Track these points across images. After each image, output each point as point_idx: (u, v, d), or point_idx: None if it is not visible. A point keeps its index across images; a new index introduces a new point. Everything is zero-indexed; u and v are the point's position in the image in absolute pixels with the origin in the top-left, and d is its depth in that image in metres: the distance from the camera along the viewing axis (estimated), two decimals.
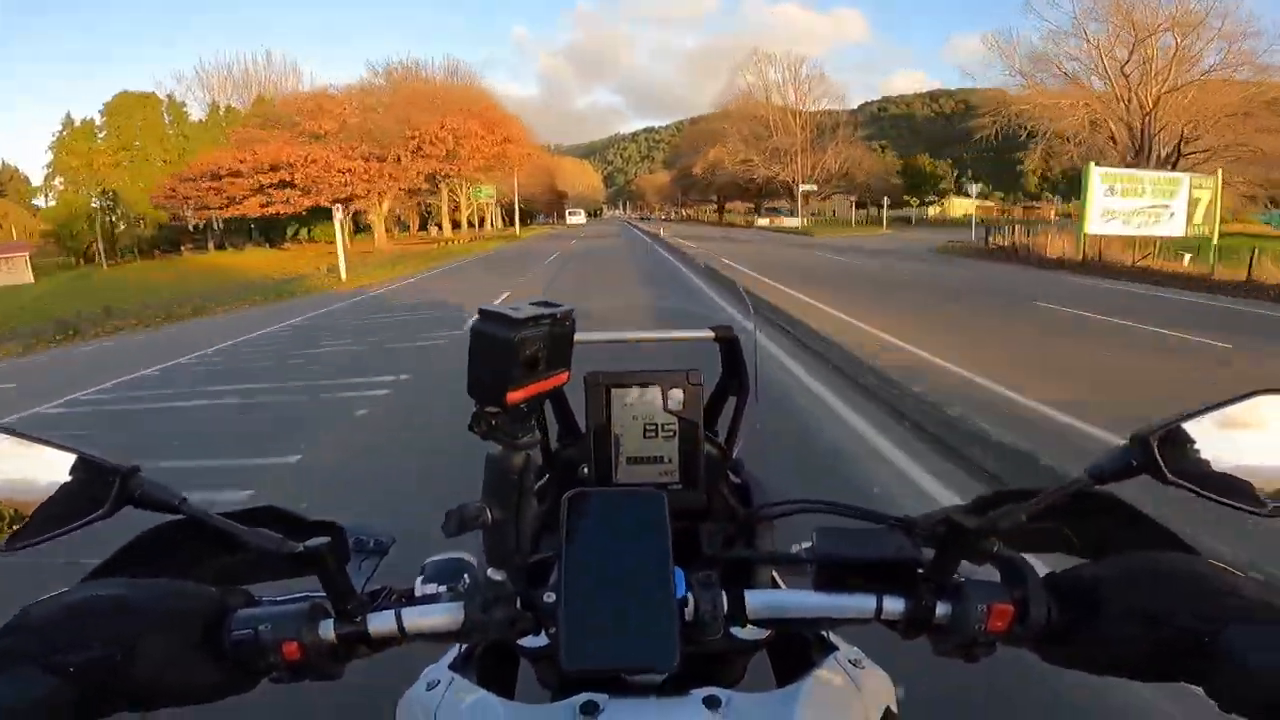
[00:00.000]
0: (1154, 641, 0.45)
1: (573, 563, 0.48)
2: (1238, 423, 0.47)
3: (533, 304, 0.48)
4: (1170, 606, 0.45)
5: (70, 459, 0.47)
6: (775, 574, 0.67)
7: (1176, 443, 0.46)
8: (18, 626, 0.43)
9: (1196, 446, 0.46)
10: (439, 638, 0.51)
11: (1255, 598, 0.44)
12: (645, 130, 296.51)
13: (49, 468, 0.47)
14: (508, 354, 0.44)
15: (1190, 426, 0.46)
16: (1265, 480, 0.46)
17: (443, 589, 0.53)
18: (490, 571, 0.51)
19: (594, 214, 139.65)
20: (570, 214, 71.85)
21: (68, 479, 0.47)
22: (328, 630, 0.49)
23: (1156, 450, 0.45)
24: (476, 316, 0.46)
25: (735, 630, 0.53)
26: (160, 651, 0.44)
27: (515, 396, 0.46)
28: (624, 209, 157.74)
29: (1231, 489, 0.46)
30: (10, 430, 0.47)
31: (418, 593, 0.54)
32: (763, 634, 0.58)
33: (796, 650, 0.62)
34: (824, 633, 0.62)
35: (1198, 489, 0.45)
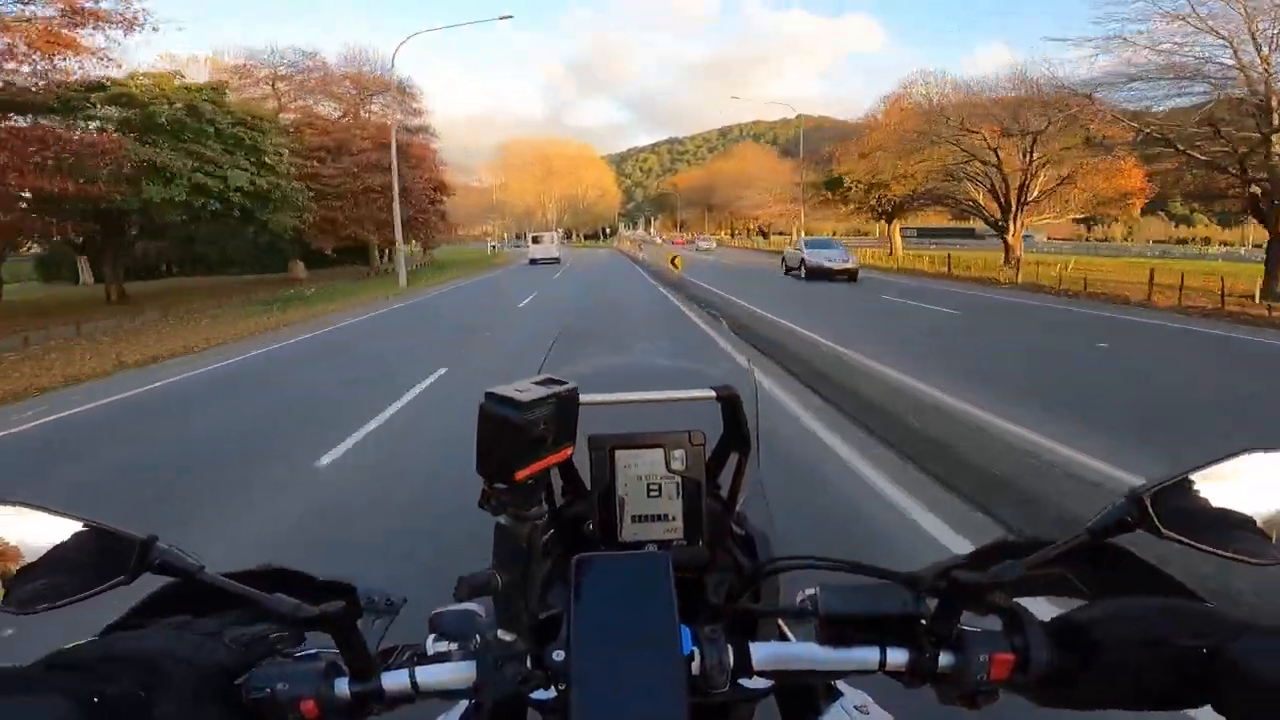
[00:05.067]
0: (1158, 667, 0.47)
1: (581, 623, 0.50)
2: (1227, 478, 0.49)
3: (537, 382, 0.51)
4: (1168, 633, 0.47)
5: (86, 529, 0.48)
6: (781, 622, 0.68)
7: (1170, 499, 0.48)
8: (51, 664, 0.46)
9: (1189, 502, 0.49)
10: (452, 694, 0.53)
11: (1249, 623, 0.47)
12: (668, 141, 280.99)
13: (66, 537, 0.48)
14: (516, 436, 0.47)
15: (1182, 483, 0.49)
16: (1255, 532, 0.49)
17: (454, 647, 0.54)
18: (500, 632, 0.52)
19: (601, 235, 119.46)
20: (533, 240, 42.67)
21: (84, 547, 0.48)
22: (343, 688, 0.51)
23: (1150, 507, 0.48)
24: (484, 399, 0.48)
25: (742, 681, 0.54)
26: (180, 703, 0.46)
27: (523, 474, 0.48)
28: (647, 228, 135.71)
29: (1224, 541, 0.48)
30: (28, 503, 0.49)
31: (429, 650, 0.55)
32: (768, 683, 0.58)
33: (803, 697, 0.65)
34: (830, 681, 0.64)
35: (1192, 543, 0.48)
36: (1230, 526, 0.48)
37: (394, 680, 0.51)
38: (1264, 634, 0.45)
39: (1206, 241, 53.15)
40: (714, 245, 53.14)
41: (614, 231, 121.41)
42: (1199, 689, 0.46)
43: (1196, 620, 0.48)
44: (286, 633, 0.54)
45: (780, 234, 60.20)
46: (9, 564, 0.47)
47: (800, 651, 0.55)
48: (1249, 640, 0.45)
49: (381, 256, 40.32)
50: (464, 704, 0.63)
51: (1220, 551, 0.48)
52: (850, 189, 33.67)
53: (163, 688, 0.46)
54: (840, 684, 0.65)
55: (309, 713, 0.49)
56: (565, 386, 0.52)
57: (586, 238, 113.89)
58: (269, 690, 0.49)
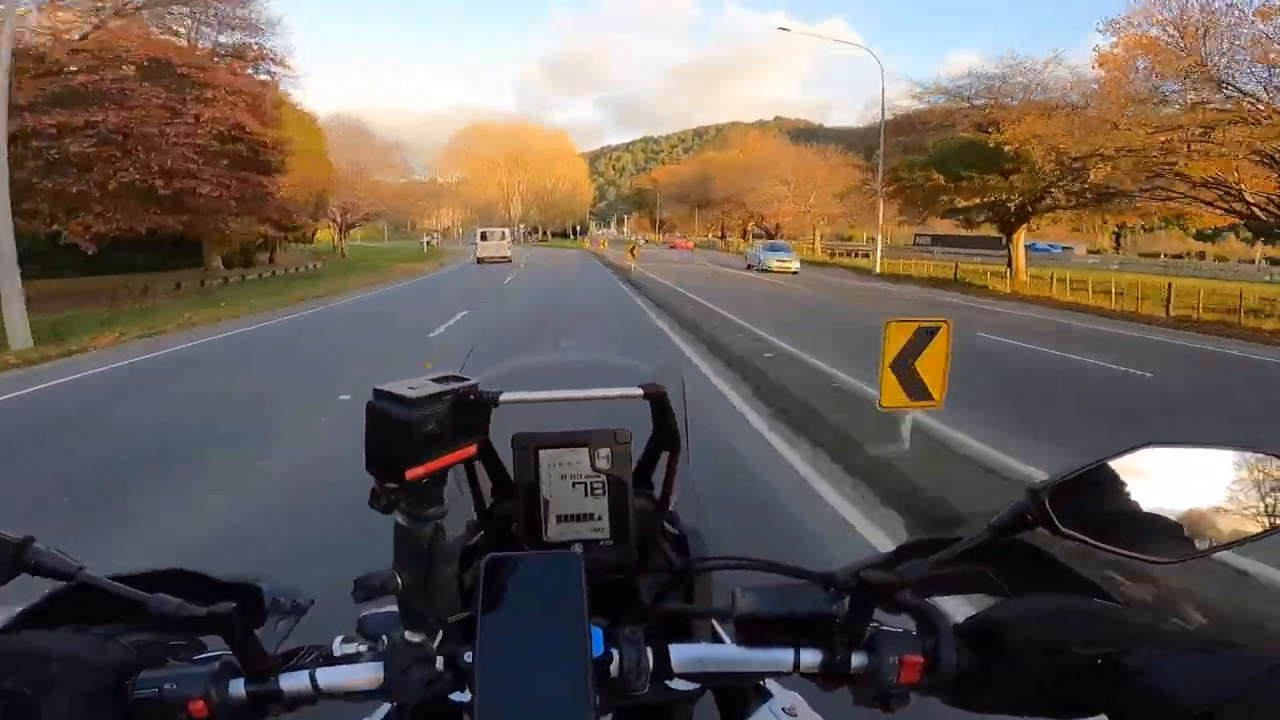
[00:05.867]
0: (1058, 674, 0.46)
1: (488, 624, 0.50)
2: (1126, 473, 0.48)
3: (435, 379, 0.50)
4: (1068, 637, 0.46)
5: None
6: (715, 623, 0.67)
7: (1068, 495, 0.48)
8: None
9: (1088, 498, 0.48)
10: (360, 696, 0.52)
11: (1147, 629, 0.46)
12: (643, 140, 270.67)
13: None
14: (404, 434, 0.46)
15: (1082, 479, 0.48)
16: (1155, 528, 0.48)
17: (364, 648, 0.54)
18: (407, 634, 0.52)
19: (571, 233, 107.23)
20: (480, 237, 35.67)
21: None
22: (238, 689, 0.50)
23: (1048, 504, 0.47)
24: (372, 395, 0.47)
25: (671, 683, 0.55)
26: (70, 703, 0.46)
27: (415, 473, 0.47)
28: (619, 227, 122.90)
29: (1123, 539, 0.48)
30: None
31: (336, 652, 0.55)
32: (698, 685, 0.59)
33: (736, 699, 0.66)
34: (761, 682, 0.65)
35: (1091, 540, 0.47)
36: (1129, 524, 0.48)
37: (293, 681, 0.51)
38: (1163, 643, 0.44)
39: None
40: (796, 263, 29.51)
41: (585, 230, 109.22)
42: (1097, 698, 0.45)
43: (1098, 624, 0.47)
44: (184, 636, 0.53)
45: (791, 238, 47.91)
46: None
47: (719, 653, 0.55)
48: (1146, 650, 0.44)
49: (248, 258, 26.85)
50: (386, 707, 0.61)
51: (1118, 550, 0.47)
52: (972, 178, 21.13)
53: (51, 688, 0.45)
54: (772, 685, 0.65)
55: (198, 713, 0.48)
56: (466, 383, 0.51)
57: (555, 235, 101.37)
58: (157, 690, 0.48)
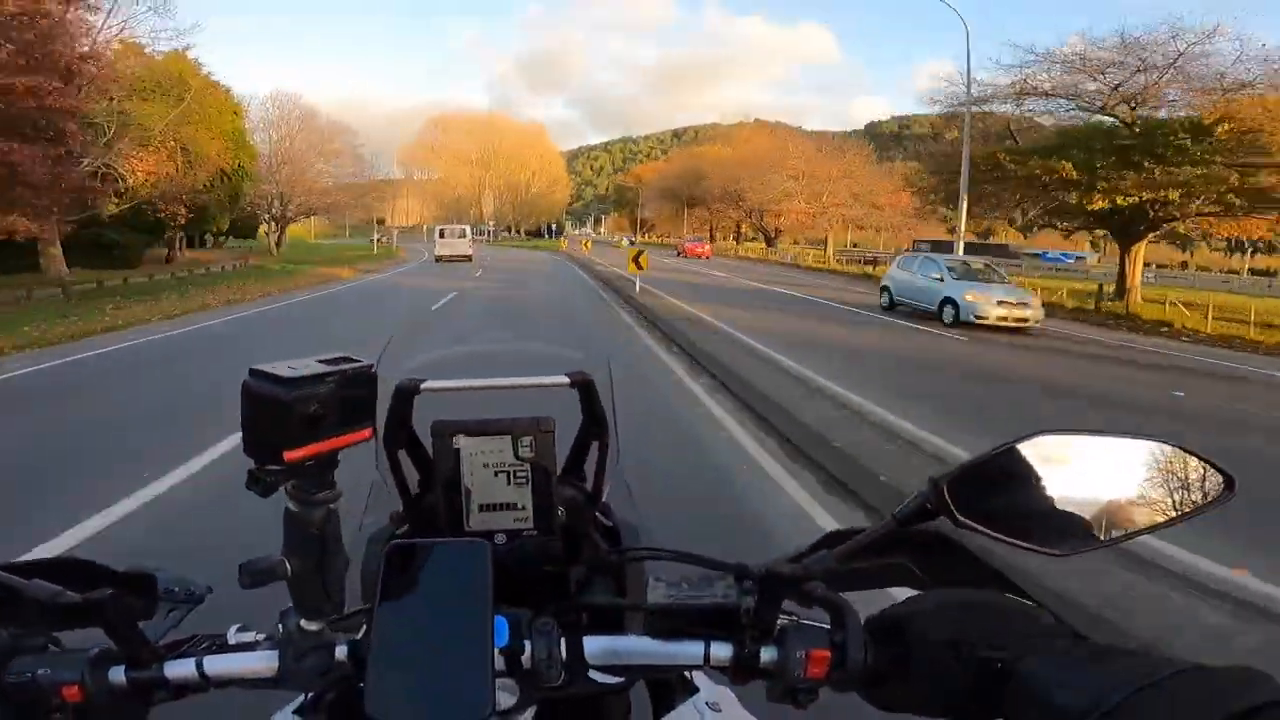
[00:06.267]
0: (959, 675, 0.45)
1: (387, 612, 0.48)
2: (1023, 462, 0.48)
3: (322, 360, 0.49)
4: (970, 638, 0.46)
5: None
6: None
7: (968, 485, 0.47)
8: None
9: (985, 488, 0.48)
10: (254, 684, 0.52)
11: (1045, 631, 0.46)
12: (621, 140, 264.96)
13: None
14: (280, 414, 0.45)
15: (979, 469, 0.48)
16: (1056, 519, 0.48)
17: (261, 636, 0.54)
18: (303, 622, 0.51)
19: (547, 233, 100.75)
20: (439, 234, 33.43)
21: None
22: (118, 675, 0.50)
23: (947, 494, 0.47)
24: (248, 375, 0.47)
25: (595, 675, 0.54)
26: None
27: (294, 455, 0.47)
28: (596, 227, 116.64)
29: (1021, 530, 0.47)
30: None
31: (231, 639, 0.54)
32: (623, 678, 0.58)
33: (663, 691, 0.66)
34: (687, 674, 0.64)
35: (989, 531, 0.47)
36: (1025, 514, 0.48)
37: (179, 669, 0.50)
38: (1060, 648, 0.44)
39: None
40: (1034, 307, 13.03)
41: (560, 229, 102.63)
42: (995, 703, 0.44)
43: (1001, 622, 0.47)
44: (65, 626, 0.53)
45: (816, 244, 41.92)
46: None
47: (631, 645, 0.54)
48: (1044, 657, 0.43)
49: (128, 260, 19.86)
50: (301, 698, 0.61)
51: (1015, 541, 0.47)
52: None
53: None
54: (700, 679, 0.64)
55: (73, 698, 0.48)
56: (354, 365, 0.50)
57: (529, 234, 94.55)
58: (30, 675, 0.48)
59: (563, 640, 0.52)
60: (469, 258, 30.99)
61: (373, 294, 17.79)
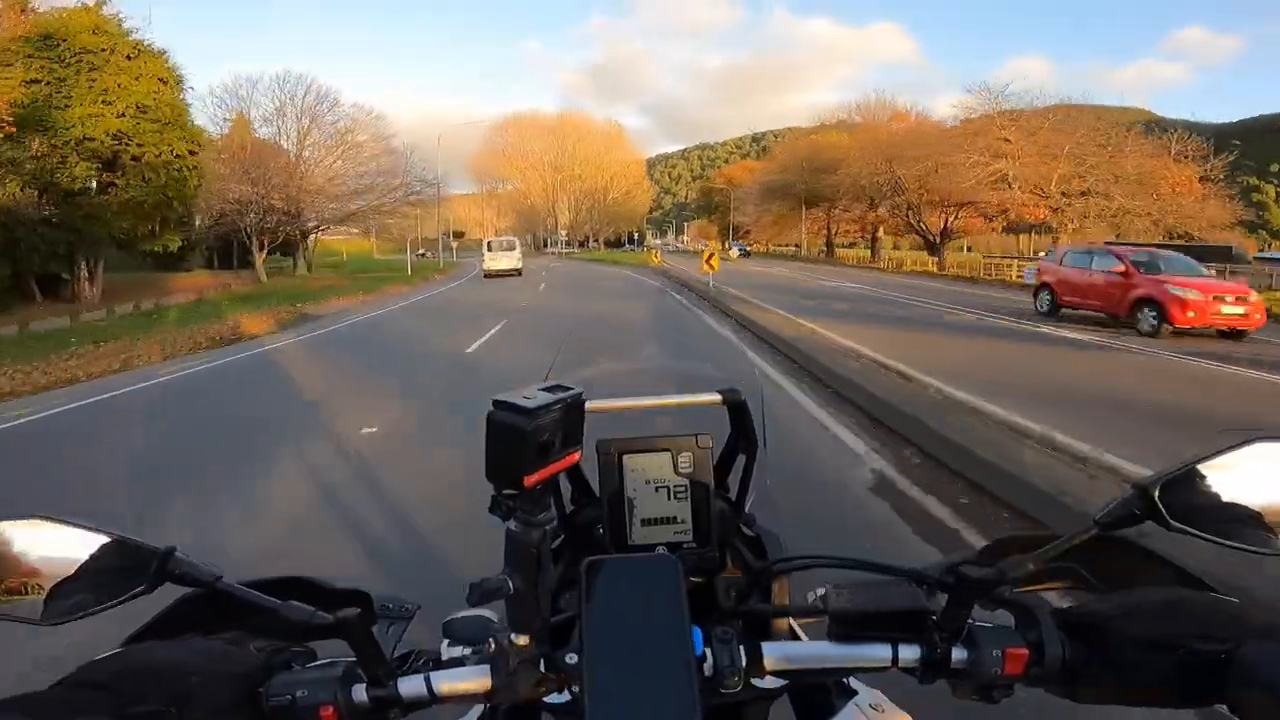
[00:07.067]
0: (1172, 667, 0.46)
1: (593, 627, 0.50)
2: (1234, 468, 0.48)
3: (543, 389, 0.51)
4: (1181, 632, 0.47)
5: (106, 540, 0.49)
6: (792, 622, 0.69)
7: (1177, 490, 0.48)
8: (82, 681, 0.47)
9: (1196, 493, 0.48)
10: (467, 699, 0.54)
11: (1263, 621, 0.46)
12: (698, 146, 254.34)
13: (87, 549, 0.49)
14: (523, 442, 0.47)
15: (1189, 474, 0.49)
16: (1264, 523, 0.48)
17: (469, 652, 0.55)
18: (514, 636, 0.53)
19: (627, 242, 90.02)
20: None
21: (107, 559, 0.49)
22: (360, 694, 0.51)
23: (1158, 498, 0.47)
24: (492, 406, 0.49)
25: (756, 681, 0.55)
26: (208, 711, 0.47)
27: (532, 480, 0.48)
28: (680, 237, 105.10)
29: (1232, 532, 0.48)
30: (48, 516, 0.50)
31: (444, 656, 0.56)
32: (782, 683, 0.59)
33: (817, 697, 0.65)
34: (844, 679, 0.65)
35: (1201, 534, 0.47)
36: (1238, 518, 0.48)
37: (410, 686, 0.52)
38: (1274, 638, 0.44)
39: None
40: None
41: (642, 238, 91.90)
42: (1213, 688, 0.45)
43: (1210, 616, 0.48)
44: (305, 641, 0.55)
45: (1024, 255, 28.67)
46: (38, 579, 0.48)
47: (812, 650, 0.55)
48: (1264, 643, 0.44)
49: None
50: (478, 709, 0.62)
51: (1229, 543, 0.47)
52: None
53: (190, 701, 0.46)
54: (854, 682, 0.66)
55: (328, 718, 0.49)
56: (571, 392, 0.52)
57: (608, 244, 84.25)
58: (290, 698, 0.49)
59: (741, 647, 0.53)
60: (519, 271, 29.90)
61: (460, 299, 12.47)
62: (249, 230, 30.05)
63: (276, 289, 25.09)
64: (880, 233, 47.22)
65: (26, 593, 0.48)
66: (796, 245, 61.78)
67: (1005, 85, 32.63)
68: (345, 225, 39.21)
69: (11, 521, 0.48)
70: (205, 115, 33.91)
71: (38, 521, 0.48)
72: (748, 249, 57.14)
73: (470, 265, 38.38)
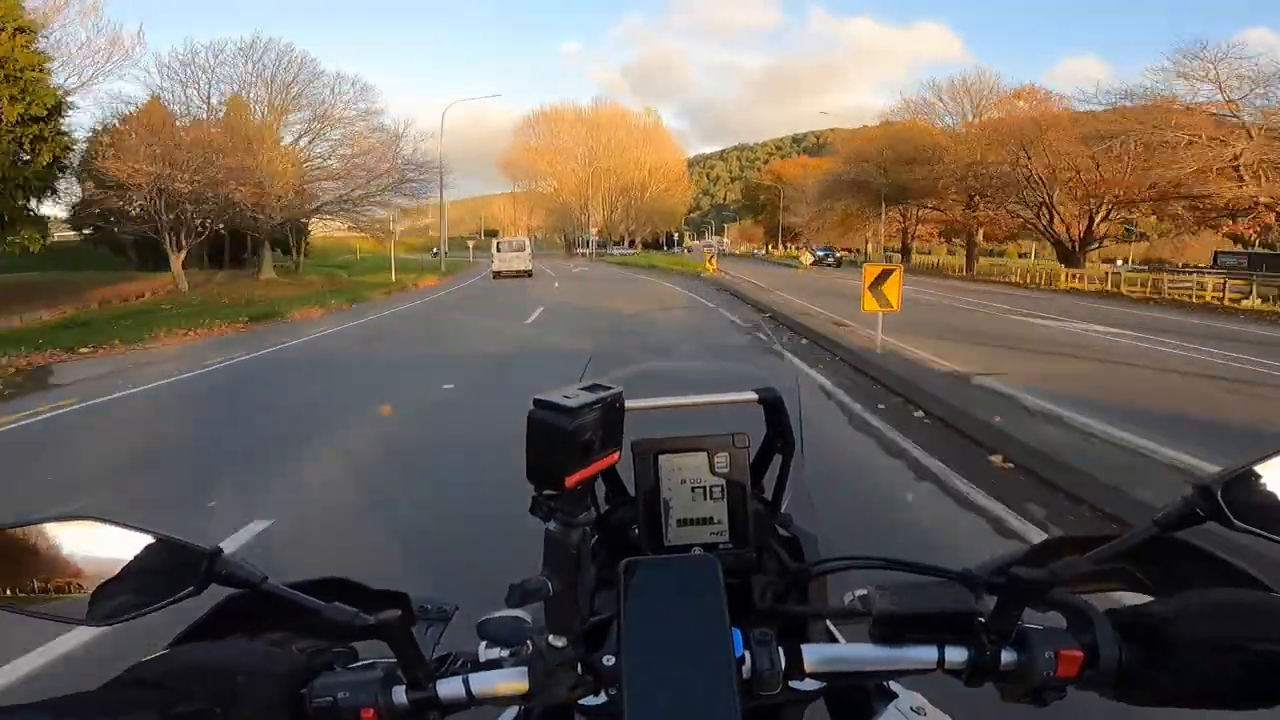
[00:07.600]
0: (1233, 668, 0.46)
1: (631, 628, 0.50)
2: None
3: (583, 388, 0.51)
4: (1246, 635, 0.46)
5: (152, 540, 0.49)
6: (830, 624, 0.69)
7: (1240, 489, 0.47)
8: (134, 680, 0.47)
9: (1260, 492, 0.47)
10: (505, 701, 0.54)
11: None
12: (737, 148, 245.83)
13: (137, 550, 0.49)
14: (565, 442, 0.47)
15: (1251, 473, 0.47)
16: None
17: (505, 653, 0.54)
18: (551, 638, 0.52)
19: (667, 243, 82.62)
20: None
21: (154, 560, 0.49)
22: (400, 696, 0.51)
23: (1220, 498, 0.46)
24: (532, 405, 0.48)
25: (793, 683, 0.54)
26: (253, 710, 0.47)
27: (573, 480, 0.48)
28: (722, 238, 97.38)
29: None
30: (97, 517, 0.50)
31: (481, 658, 0.55)
32: (819, 685, 0.58)
33: (855, 700, 0.64)
34: (884, 681, 0.64)
35: (1266, 534, 0.46)
36: None
37: (449, 688, 0.52)
38: None
39: None
40: None
41: (680, 239, 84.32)
42: (1275, 689, 0.45)
43: (1272, 616, 0.47)
44: (346, 642, 0.56)
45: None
46: (87, 579, 0.48)
47: (854, 652, 0.54)
48: None
49: None
50: (512, 710, 0.62)
51: None
52: None
53: (235, 700, 0.47)
54: (895, 685, 0.65)
55: None
56: (611, 392, 0.51)
57: (646, 246, 76.89)
58: (332, 699, 0.49)
59: (781, 649, 0.52)
60: (529, 272, 29.26)
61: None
62: (160, 221, 23.42)
63: (190, 301, 18.40)
64: (980, 236, 38.85)
65: (71, 592, 0.48)
66: (857, 250, 53.45)
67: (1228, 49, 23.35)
68: (318, 217, 32.29)
69: (58, 522, 0.48)
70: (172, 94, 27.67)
71: (84, 521, 0.48)
72: (838, 254, 45.82)
73: (483, 266, 35.53)
